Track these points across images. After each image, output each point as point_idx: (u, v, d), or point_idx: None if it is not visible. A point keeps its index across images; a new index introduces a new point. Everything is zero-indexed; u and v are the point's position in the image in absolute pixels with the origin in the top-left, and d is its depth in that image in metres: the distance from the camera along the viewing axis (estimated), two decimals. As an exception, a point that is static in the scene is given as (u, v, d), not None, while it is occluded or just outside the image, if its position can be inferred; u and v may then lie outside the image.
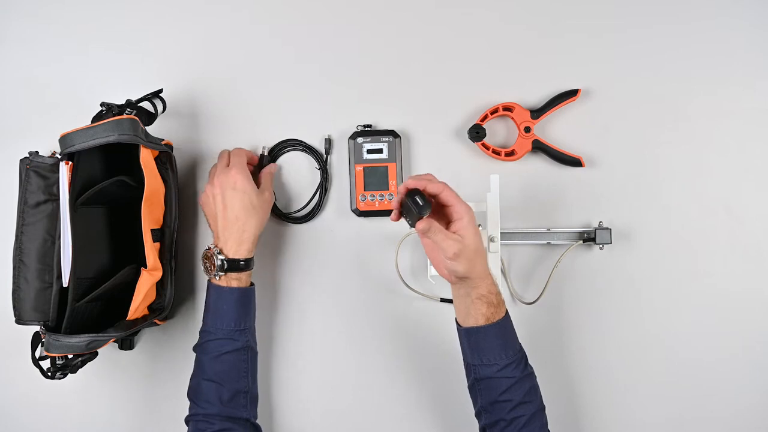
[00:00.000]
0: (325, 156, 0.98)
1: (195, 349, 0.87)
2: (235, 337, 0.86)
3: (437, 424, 0.96)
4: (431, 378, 0.96)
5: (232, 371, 0.85)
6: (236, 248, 0.86)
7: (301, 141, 0.98)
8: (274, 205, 0.97)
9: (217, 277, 0.86)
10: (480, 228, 0.92)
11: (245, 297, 0.87)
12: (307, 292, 0.98)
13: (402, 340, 0.97)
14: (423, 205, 0.74)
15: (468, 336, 0.80)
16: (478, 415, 0.82)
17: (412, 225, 0.78)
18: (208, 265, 0.86)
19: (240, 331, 0.86)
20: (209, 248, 0.86)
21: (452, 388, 0.95)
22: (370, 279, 0.98)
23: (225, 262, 0.85)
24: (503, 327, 0.80)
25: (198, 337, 0.87)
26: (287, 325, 0.98)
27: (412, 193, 0.75)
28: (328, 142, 0.98)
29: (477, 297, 0.79)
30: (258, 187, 0.91)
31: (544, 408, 0.81)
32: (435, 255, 0.81)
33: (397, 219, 0.80)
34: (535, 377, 0.81)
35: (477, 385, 0.80)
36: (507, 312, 0.81)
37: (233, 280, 0.86)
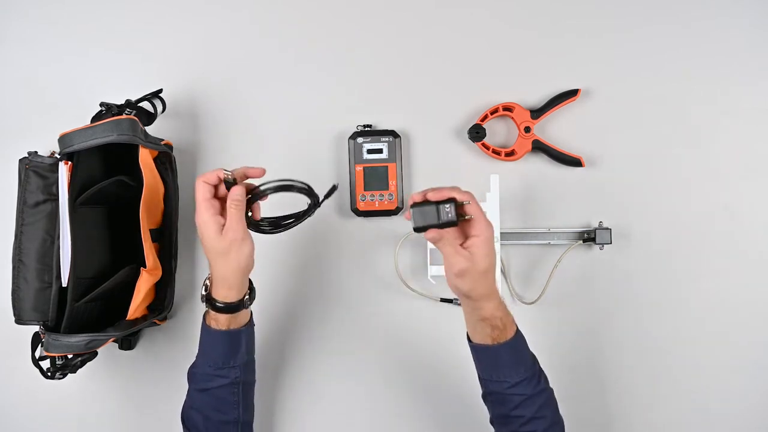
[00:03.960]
0: (321, 198, 0.82)
1: (188, 374, 0.83)
2: (223, 373, 0.80)
3: (437, 424, 0.96)
4: (431, 378, 0.96)
5: (220, 405, 0.81)
6: (225, 294, 0.78)
7: (300, 183, 0.79)
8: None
9: (207, 317, 0.80)
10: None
11: (233, 339, 0.80)
12: (306, 292, 0.98)
13: (402, 340, 0.97)
14: (450, 218, 0.72)
15: (476, 352, 0.79)
16: (491, 422, 0.81)
17: (422, 230, 0.74)
18: (203, 297, 0.80)
19: (229, 368, 0.80)
20: (206, 283, 0.80)
21: (452, 388, 0.95)
22: (370, 279, 0.98)
23: (204, 297, 0.79)
24: (513, 347, 0.77)
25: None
26: (287, 324, 0.98)
27: (446, 201, 0.73)
28: (334, 188, 0.81)
29: (481, 318, 0.76)
30: (249, 225, 0.79)
31: (560, 422, 0.79)
32: (447, 269, 0.77)
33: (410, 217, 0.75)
34: (551, 392, 0.80)
35: (489, 397, 0.80)
36: (517, 331, 0.78)
37: (222, 323, 0.79)
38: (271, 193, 0.77)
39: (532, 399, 0.76)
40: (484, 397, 0.81)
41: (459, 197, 0.74)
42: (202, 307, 0.96)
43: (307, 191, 0.79)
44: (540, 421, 0.76)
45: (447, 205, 0.73)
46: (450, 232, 0.74)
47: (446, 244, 0.74)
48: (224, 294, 0.77)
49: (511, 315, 0.78)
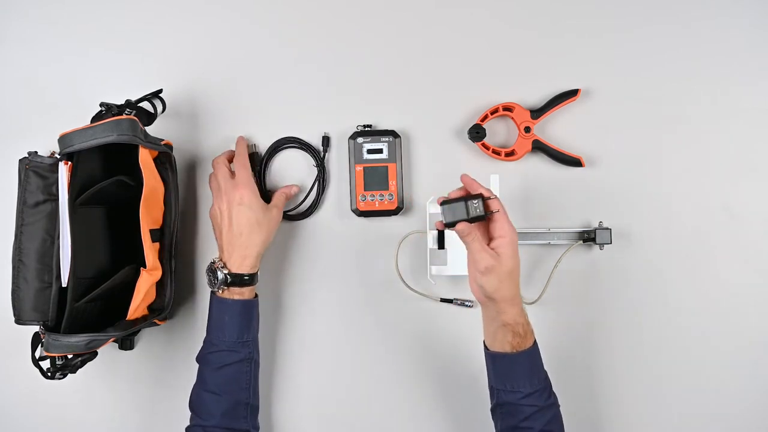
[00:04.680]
0: (322, 153, 0.98)
1: (198, 360, 0.87)
2: (238, 349, 0.85)
3: (437, 424, 0.96)
4: (431, 378, 0.96)
5: (233, 383, 0.85)
6: (240, 263, 0.86)
7: (298, 138, 0.98)
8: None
9: (220, 291, 0.86)
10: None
11: (248, 309, 0.87)
12: (306, 292, 0.98)
13: (402, 341, 0.97)
14: (479, 213, 0.76)
15: (494, 360, 0.80)
16: None
17: (452, 225, 0.77)
18: (211, 278, 0.86)
19: (242, 343, 0.86)
20: (214, 262, 0.86)
21: (453, 388, 0.95)
22: (370, 279, 0.98)
23: (228, 276, 0.85)
24: (531, 356, 0.78)
25: (201, 345, 0.87)
26: (287, 323, 0.98)
27: (475, 196, 0.77)
28: (326, 139, 0.98)
29: (503, 324, 0.77)
30: (269, 202, 0.91)
31: None
32: (471, 268, 0.79)
33: (442, 227, 0.79)
34: (558, 406, 0.81)
35: (499, 408, 0.80)
36: (535, 341, 0.79)
37: (236, 294, 0.86)
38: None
39: (543, 411, 0.77)
40: (494, 409, 0.81)
41: (486, 193, 0.78)
42: (202, 307, 0.97)
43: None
44: None
45: (475, 201, 0.76)
46: (478, 228, 0.77)
47: (474, 240, 0.76)
48: (251, 265, 0.86)
49: (531, 324, 0.79)
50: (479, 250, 0.76)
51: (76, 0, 1.00)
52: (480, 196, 0.77)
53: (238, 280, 0.85)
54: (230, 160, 0.92)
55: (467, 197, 0.77)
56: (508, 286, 0.77)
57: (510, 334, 0.77)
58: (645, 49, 0.98)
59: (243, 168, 0.89)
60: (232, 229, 0.86)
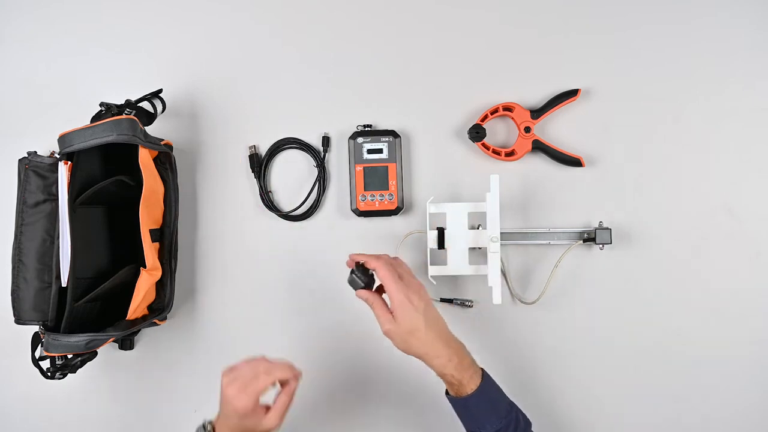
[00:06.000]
0: (322, 153, 0.98)
1: None
2: None
3: (438, 423, 0.96)
4: (431, 378, 0.96)
5: None
6: None
7: (298, 139, 0.98)
8: (273, 205, 0.97)
9: None
10: (480, 228, 0.92)
11: None
12: (306, 292, 0.98)
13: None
14: (362, 279, 0.81)
15: (451, 404, 0.81)
16: None
17: (356, 289, 0.82)
18: None
19: None
20: (204, 423, 0.78)
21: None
22: (370, 279, 0.98)
23: None
24: (478, 399, 0.78)
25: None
26: (286, 323, 0.98)
27: (357, 266, 0.82)
28: (326, 140, 0.98)
29: (436, 374, 0.79)
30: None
31: None
32: None
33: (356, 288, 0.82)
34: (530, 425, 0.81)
35: None
36: (481, 384, 0.78)
37: None
38: None
39: None
40: None
41: (371, 264, 0.80)
42: (202, 307, 0.97)
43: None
44: None
45: (357, 271, 0.81)
46: (377, 296, 0.80)
47: (374, 305, 0.79)
48: None
49: (469, 369, 0.78)
50: (379, 315, 0.78)
51: (76, 0, 1.00)
52: (358, 265, 0.81)
53: None
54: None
55: (353, 270, 0.82)
56: (416, 345, 0.78)
57: (447, 384, 0.80)
58: (645, 48, 0.98)
59: (280, 407, 0.76)
60: (226, 421, 0.76)
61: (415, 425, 0.96)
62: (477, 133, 0.95)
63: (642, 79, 0.98)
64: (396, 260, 0.82)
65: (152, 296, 0.91)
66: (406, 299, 0.77)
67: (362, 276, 0.81)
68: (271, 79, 0.99)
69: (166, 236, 0.93)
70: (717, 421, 0.95)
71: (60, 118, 0.95)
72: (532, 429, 0.81)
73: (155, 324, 0.93)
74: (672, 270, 0.96)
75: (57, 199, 0.83)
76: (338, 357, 0.97)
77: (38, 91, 1.00)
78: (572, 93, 0.96)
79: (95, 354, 0.87)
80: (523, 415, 0.81)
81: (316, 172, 0.98)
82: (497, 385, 0.81)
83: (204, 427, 0.78)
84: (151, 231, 0.88)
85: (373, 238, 0.98)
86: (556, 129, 0.98)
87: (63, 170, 0.82)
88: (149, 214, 0.87)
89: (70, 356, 0.84)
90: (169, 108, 0.94)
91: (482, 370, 0.80)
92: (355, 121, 0.98)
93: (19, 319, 0.84)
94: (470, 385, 0.78)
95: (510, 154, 0.96)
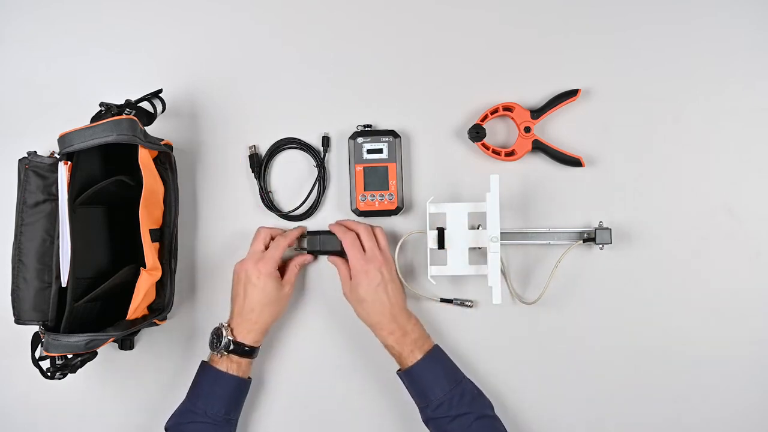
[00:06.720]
0: (322, 153, 0.98)
1: (169, 429, 0.86)
2: (221, 424, 0.85)
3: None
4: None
5: None
6: (245, 334, 0.87)
7: (298, 139, 0.98)
8: (273, 205, 0.97)
9: (219, 355, 0.86)
10: (480, 228, 0.93)
11: (241, 388, 0.88)
12: (306, 291, 0.98)
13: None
14: (336, 247, 0.92)
15: (399, 378, 0.89)
16: None
17: (321, 254, 0.95)
18: (215, 340, 0.87)
19: (227, 420, 0.86)
20: (222, 326, 0.87)
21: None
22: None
23: (231, 343, 0.86)
24: (413, 374, 0.86)
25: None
26: (286, 323, 0.98)
27: (327, 231, 0.94)
28: (326, 140, 0.98)
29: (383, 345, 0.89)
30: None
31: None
32: None
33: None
34: (489, 418, 0.85)
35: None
36: (423, 358, 0.85)
37: (233, 364, 0.86)
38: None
39: (459, 420, 0.82)
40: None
41: (338, 234, 0.91)
42: (202, 307, 0.97)
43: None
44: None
45: (325, 234, 0.94)
46: (343, 262, 0.91)
47: (339, 271, 0.91)
48: (255, 339, 0.87)
49: (411, 344, 0.86)
50: (341, 279, 0.91)
51: (76, 0, 1.00)
52: (328, 231, 0.94)
53: (239, 350, 0.86)
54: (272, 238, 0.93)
55: (322, 233, 0.94)
56: (364, 314, 0.88)
57: (392, 356, 0.88)
58: (645, 48, 0.98)
59: (277, 248, 0.90)
60: (245, 304, 0.87)
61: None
62: (477, 133, 0.95)
63: (642, 79, 0.98)
64: (377, 229, 0.92)
65: (152, 296, 0.91)
66: (362, 270, 0.87)
67: (327, 241, 0.93)
68: (271, 79, 0.99)
69: (166, 236, 0.93)
70: (717, 421, 0.95)
71: (60, 118, 0.95)
72: (493, 412, 0.85)
73: (155, 324, 0.93)
74: (672, 270, 0.96)
75: (57, 199, 0.83)
76: (338, 354, 0.97)
77: (38, 91, 0.99)
78: (572, 93, 0.96)
79: (95, 354, 0.87)
80: (479, 392, 0.86)
81: (316, 172, 0.98)
82: (450, 361, 0.88)
83: (220, 327, 0.87)
84: (151, 231, 0.88)
85: (373, 238, 0.98)
86: (556, 129, 0.98)
87: (63, 170, 0.82)
88: (149, 214, 0.87)
89: (70, 356, 0.83)
90: (169, 108, 0.94)
91: (435, 347, 0.88)
92: (355, 121, 0.98)
93: (19, 319, 0.84)
94: (410, 357, 0.86)
95: (510, 154, 0.96)
